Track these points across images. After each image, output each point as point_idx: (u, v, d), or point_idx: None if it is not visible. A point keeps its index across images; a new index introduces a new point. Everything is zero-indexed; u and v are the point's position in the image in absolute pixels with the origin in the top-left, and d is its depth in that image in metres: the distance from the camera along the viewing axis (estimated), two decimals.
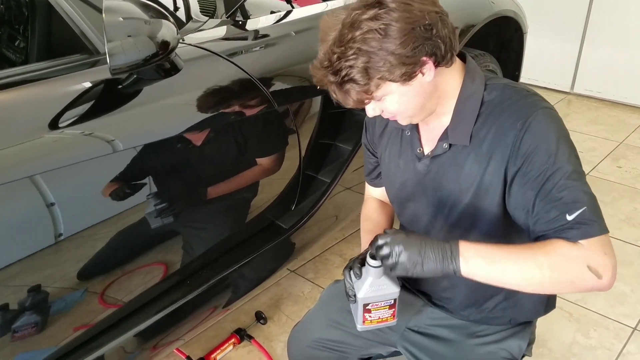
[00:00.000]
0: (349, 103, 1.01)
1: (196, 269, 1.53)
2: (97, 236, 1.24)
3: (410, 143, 1.20)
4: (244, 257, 1.62)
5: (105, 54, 1.12)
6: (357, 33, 0.94)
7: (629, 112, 3.63)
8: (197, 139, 1.39)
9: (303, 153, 1.71)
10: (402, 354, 1.48)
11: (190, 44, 1.45)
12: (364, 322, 1.26)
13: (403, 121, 1.11)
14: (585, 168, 2.87)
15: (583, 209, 0.97)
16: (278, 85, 1.57)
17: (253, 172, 1.60)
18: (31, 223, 1.13)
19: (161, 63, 1.24)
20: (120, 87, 1.26)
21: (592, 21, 3.67)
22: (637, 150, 3.14)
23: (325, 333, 1.56)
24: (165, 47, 1.19)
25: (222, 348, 1.80)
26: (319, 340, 1.58)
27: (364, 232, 1.48)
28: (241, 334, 1.85)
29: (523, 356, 1.39)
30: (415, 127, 1.18)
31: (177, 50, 1.29)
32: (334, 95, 1.02)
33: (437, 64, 1.00)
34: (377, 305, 1.23)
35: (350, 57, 0.95)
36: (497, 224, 1.13)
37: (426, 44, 0.96)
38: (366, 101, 1.02)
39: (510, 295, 1.28)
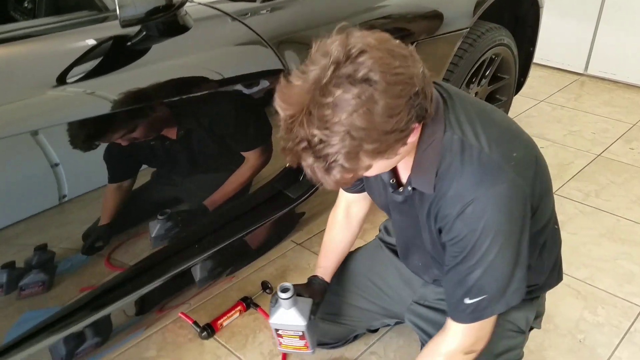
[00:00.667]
0: (330, 185, 0.90)
1: (203, 236, 1.53)
2: (102, 198, 1.23)
3: (382, 174, 1.16)
4: (251, 225, 1.61)
5: (115, 7, 1.10)
6: (344, 116, 0.81)
7: None
8: (204, 100, 1.37)
9: None
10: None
11: (200, 3, 1.42)
12: (280, 345, 1.47)
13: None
14: (598, 149, 2.84)
15: (483, 297, 1.04)
16: (290, 49, 1.54)
17: (262, 139, 1.58)
18: (36, 182, 1.11)
19: (170, 20, 1.22)
20: (128, 44, 1.24)
21: (608, 1, 3.60)
22: None
23: (328, 305, 1.56)
24: (175, 1, 1.16)
25: (228, 315, 1.80)
26: (323, 313, 1.58)
27: (321, 253, 1.54)
28: (247, 302, 1.85)
29: (531, 329, 1.38)
30: None
31: (187, 9, 1.26)
32: (310, 173, 0.90)
33: (421, 123, 0.93)
34: (287, 332, 1.41)
35: (337, 143, 0.83)
36: None
37: (416, 110, 0.87)
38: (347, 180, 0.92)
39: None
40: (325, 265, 1.50)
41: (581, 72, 3.83)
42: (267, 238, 1.69)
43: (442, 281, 1.14)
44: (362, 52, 0.81)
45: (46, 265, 1.17)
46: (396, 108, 0.83)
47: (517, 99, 2.79)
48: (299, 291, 1.43)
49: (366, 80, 0.81)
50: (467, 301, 1.05)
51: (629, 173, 2.67)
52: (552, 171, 2.57)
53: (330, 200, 1.90)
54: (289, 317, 1.35)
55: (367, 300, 1.55)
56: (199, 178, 1.47)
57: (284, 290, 1.33)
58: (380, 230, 1.63)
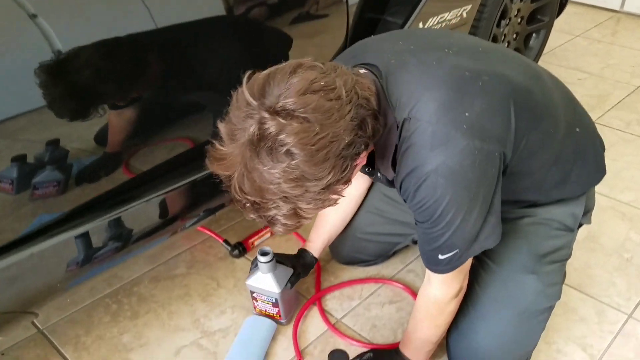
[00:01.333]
0: (280, 232, 0.94)
1: None
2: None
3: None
4: None
5: None
6: (274, 186, 0.82)
7: None
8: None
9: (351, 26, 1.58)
10: None
11: None
12: (254, 308, 1.48)
13: None
14: (637, 81, 2.72)
15: (455, 251, 1.01)
16: None
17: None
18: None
19: None
20: None
21: None
22: None
23: (367, 223, 1.51)
24: None
25: (259, 235, 1.75)
26: (364, 232, 1.52)
27: (314, 227, 1.50)
28: None
29: (580, 225, 1.30)
30: None
31: None
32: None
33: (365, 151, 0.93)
34: (261, 297, 1.42)
35: (273, 207, 0.86)
36: None
37: (352, 153, 0.86)
38: None
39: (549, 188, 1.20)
40: (315, 241, 1.49)
41: (617, 9, 3.65)
42: None
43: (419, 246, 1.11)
44: (279, 131, 0.79)
45: (60, 164, 1.09)
46: (325, 169, 0.82)
47: (552, 34, 2.66)
48: (283, 260, 1.42)
49: (288, 154, 0.80)
50: (441, 257, 1.03)
51: None
52: (591, 101, 2.50)
53: None
54: (264, 281, 1.37)
55: (409, 213, 1.48)
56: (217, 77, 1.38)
57: (264, 254, 1.35)
58: None
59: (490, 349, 1.20)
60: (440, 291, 1.12)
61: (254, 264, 1.40)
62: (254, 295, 1.43)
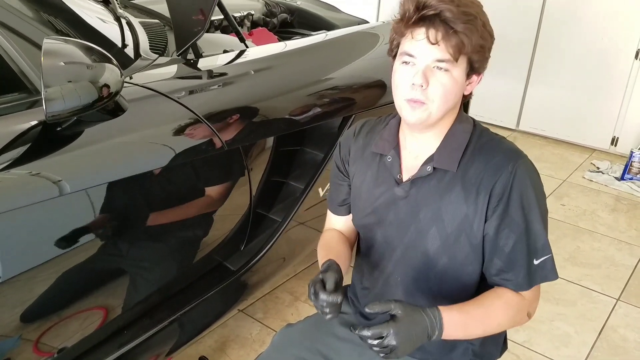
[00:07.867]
0: (436, 38, 1.00)
1: (139, 314, 1.46)
2: (36, 279, 1.17)
3: (391, 169, 1.17)
4: (190, 300, 1.56)
5: (42, 99, 1.05)
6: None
7: (571, 150, 3.76)
8: (141, 180, 1.33)
9: (254, 192, 1.68)
10: None
11: (136, 84, 1.40)
12: None
13: (420, 113, 1.06)
14: None
15: (549, 256, 1.09)
16: (228, 126, 1.53)
17: (201, 212, 1.55)
18: None
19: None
20: (59, 129, 1.19)
21: (537, 62, 3.83)
22: (579, 188, 3.25)
23: None
24: (108, 92, 1.13)
25: None
26: None
27: (321, 260, 1.31)
28: None
29: None
30: (397, 154, 1.16)
31: (122, 91, 1.24)
32: (432, 31, 1.01)
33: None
34: None
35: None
36: (473, 256, 1.14)
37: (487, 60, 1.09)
38: (446, 58, 1.02)
39: (475, 342, 1.27)
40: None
41: (513, 127, 4.02)
42: (204, 315, 1.64)
43: (500, 260, 1.10)
44: None
45: None
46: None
47: None
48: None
49: None
50: (536, 262, 1.09)
51: (560, 230, 2.78)
52: None
53: (274, 267, 1.88)
54: None
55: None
56: (130, 260, 1.41)
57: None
58: None
59: None
60: (531, 303, 1.13)
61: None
62: None
